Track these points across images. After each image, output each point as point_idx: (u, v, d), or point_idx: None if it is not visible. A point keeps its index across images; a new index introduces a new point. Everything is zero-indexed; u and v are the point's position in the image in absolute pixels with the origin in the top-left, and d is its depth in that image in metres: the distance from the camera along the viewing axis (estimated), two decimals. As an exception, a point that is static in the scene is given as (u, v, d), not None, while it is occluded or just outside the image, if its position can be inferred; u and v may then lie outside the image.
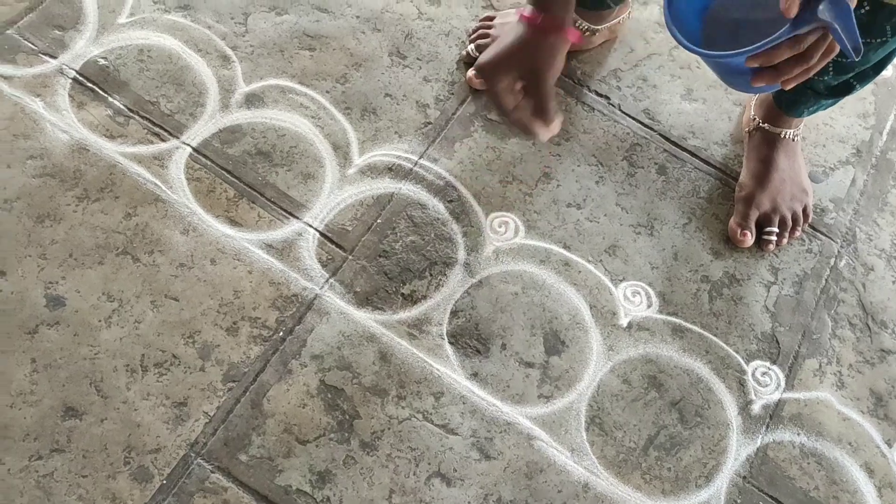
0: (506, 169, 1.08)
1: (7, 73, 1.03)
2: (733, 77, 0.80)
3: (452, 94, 1.13)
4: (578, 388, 0.94)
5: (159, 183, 0.99)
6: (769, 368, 0.98)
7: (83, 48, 1.07)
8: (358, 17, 1.16)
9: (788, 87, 0.72)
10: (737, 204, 1.08)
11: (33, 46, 1.06)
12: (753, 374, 0.97)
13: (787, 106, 1.06)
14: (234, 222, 0.98)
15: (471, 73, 1.12)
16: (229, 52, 1.10)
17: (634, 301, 1.00)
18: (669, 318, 1.00)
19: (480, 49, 1.13)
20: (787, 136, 1.08)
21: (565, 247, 1.03)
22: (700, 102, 1.17)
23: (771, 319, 1.02)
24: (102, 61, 1.06)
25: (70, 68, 1.05)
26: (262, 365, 0.90)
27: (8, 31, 1.06)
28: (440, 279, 0.99)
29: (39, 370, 0.87)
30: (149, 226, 0.96)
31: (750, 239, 1.05)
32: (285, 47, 1.12)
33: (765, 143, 1.09)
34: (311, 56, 1.12)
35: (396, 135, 1.08)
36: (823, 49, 0.68)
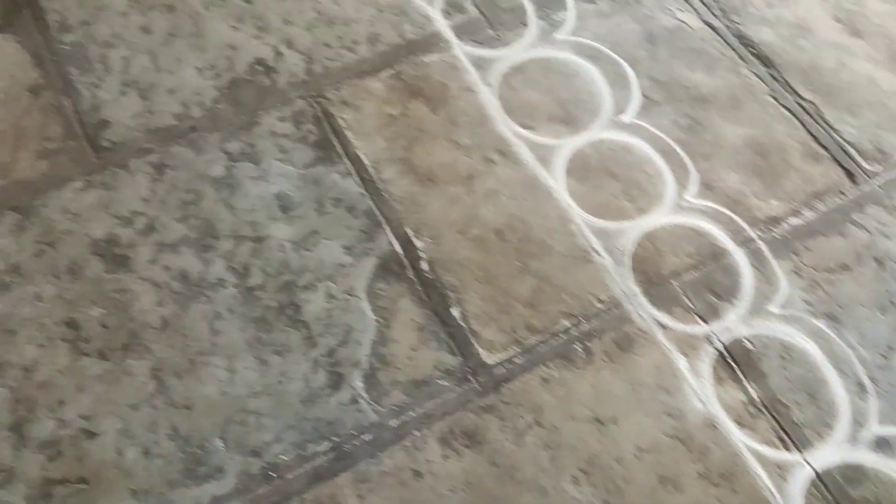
0: None
1: (663, 322, 1.14)
2: None
3: None
4: None
5: (778, 496, 1.00)
6: None
7: (733, 323, 1.14)
8: None
9: None
10: None
11: (690, 305, 1.15)
12: None
13: None
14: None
15: None
16: (867, 381, 1.09)
17: None
18: None
19: None
20: None
21: None
22: None
23: None
24: (748, 344, 1.12)
25: (718, 339, 1.12)
26: None
27: (672, 282, 1.17)
28: None
29: None
30: (759, 537, 0.97)
31: None
32: (927, 401, 1.08)
33: None
34: (954, 422, 1.06)
35: None
36: None
